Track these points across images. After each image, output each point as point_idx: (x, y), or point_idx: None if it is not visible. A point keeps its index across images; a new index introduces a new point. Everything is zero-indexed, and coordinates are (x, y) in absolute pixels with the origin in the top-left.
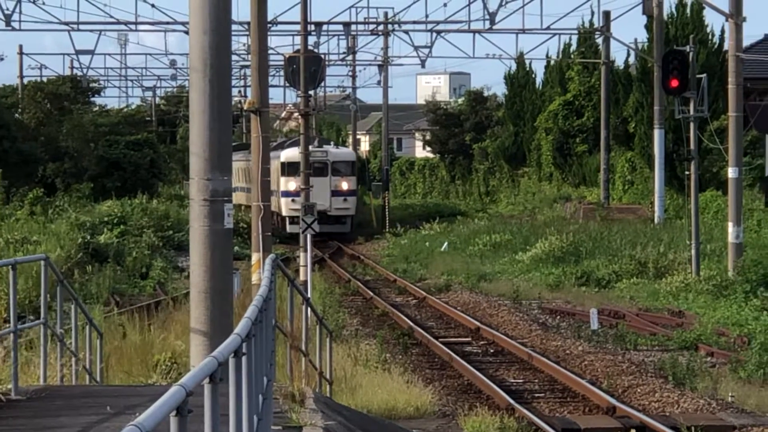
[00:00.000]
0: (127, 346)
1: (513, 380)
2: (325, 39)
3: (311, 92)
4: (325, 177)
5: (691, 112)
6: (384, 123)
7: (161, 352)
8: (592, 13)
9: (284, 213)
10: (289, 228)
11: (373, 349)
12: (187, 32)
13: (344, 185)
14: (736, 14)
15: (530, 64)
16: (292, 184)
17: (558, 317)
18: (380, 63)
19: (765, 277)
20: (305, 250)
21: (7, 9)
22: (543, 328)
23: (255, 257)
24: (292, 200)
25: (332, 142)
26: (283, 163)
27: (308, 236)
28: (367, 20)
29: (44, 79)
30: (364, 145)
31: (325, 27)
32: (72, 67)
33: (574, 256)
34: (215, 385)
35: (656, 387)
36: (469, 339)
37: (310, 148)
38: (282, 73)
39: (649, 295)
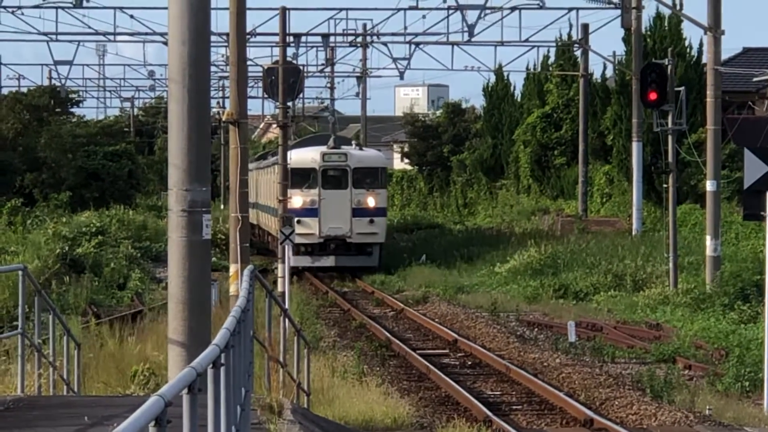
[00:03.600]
0: (105, 357)
1: (491, 392)
2: (304, 50)
3: (290, 103)
4: (344, 189)
5: (670, 125)
6: (362, 134)
7: (139, 363)
8: (571, 26)
9: None
10: (292, 260)
11: (351, 360)
12: (165, 43)
13: (370, 201)
14: (714, 27)
15: (509, 76)
16: (298, 198)
17: (536, 329)
18: (359, 74)
19: (743, 290)
20: (283, 262)
21: None
22: (521, 340)
23: (233, 268)
24: (298, 221)
25: (354, 142)
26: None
27: (287, 247)
28: (345, 32)
29: (23, 90)
30: None
31: (303, 38)
32: (50, 78)
33: (551, 269)
34: (194, 396)
35: (634, 399)
36: (446, 351)
37: (324, 149)
38: (260, 84)
39: (626, 307)
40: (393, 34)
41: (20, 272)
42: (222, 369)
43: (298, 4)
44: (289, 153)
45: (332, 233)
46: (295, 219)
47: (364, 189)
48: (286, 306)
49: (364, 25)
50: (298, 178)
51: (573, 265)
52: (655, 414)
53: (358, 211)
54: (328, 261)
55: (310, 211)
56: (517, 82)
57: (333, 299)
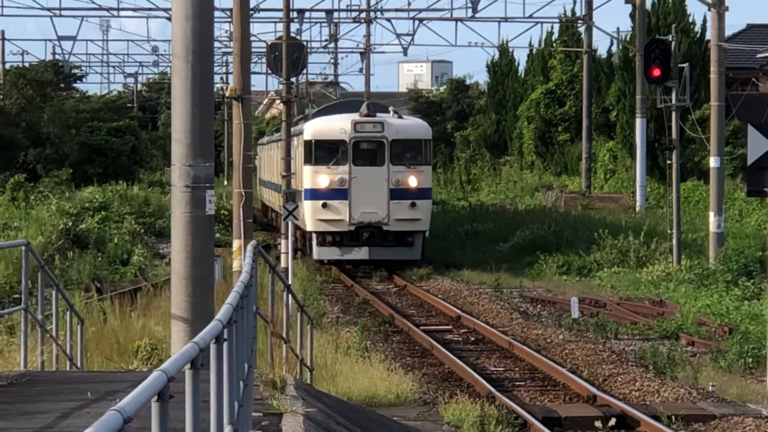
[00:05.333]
0: (108, 333)
1: (494, 368)
2: (308, 26)
3: (293, 79)
4: (380, 166)
5: (673, 102)
6: None
7: (142, 339)
8: (575, 2)
9: (309, 227)
10: (317, 252)
11: (354, 336)
12: (169, 18)
13: (412, 181)
14: (718, 4)
15: (513, 52)
16: (323, 177)
17: (539, 306)
18: (362, 50)
19: (746, 266)
20: (286, 238)
21: None
22: (524, 316)
23: (236, 244)
24: (324, 205)
25: (392, 109)
26: (308, 143)
27: (289, 223)
28: (349, 8)
29: (26, 65)
30: None
31: (307, 14)
32: (54, 53)
33: (555, 245)
34: (196, 371)
35: (637, 376)
36: (450, 327)
37: (356, 116)
38: (264, 60)
39: (630, 284)
40: (397, 10)
41: (23, 248)
42: (225, 344)
43: None
44: (310, 123)
45: (365, 219)
46: (321, 203)
47: (405, 166)
48: (290, 282)
49: (368, 1)
50: (324, 152)
51: (576, 241)
52: (658, 390)
53: (397, 193)
54: (361, 253)
55: (339, 193)
56: (521, 58)
57: (336, 275)
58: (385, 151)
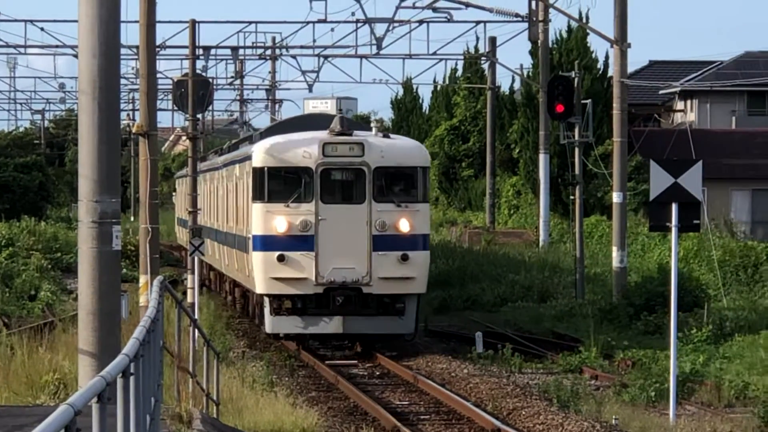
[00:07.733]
0: (15, 367)
1: (399, 402)
2: (213, 63)
3: (199, 116)
4: (360, 204)
5: (576, 137)
6: None
7: (49, 373)
8: (478, 39)
9: (260, 288)
10: (269, 323)
11: (260, 370)
12: (76, 56)
13: (403, 224)
14: (621, 40)
15: (417, 89)
16: (280, 219)
17: (443, 340)
18: (268, 87)
19: (648, 301)
20: (193, 273)
21: None
22: (429, 350)
23: (143, 279)
24: (280, 258)
25: (374, 126)
26: (259, 171)
27: (195, 258)
28: (255, 44)
29: None
30: None
31: (213, 51)
32: None
33: (459, 280)
34: (103, 405)
35: (541, 409)
36: (355, 361)
37: (325, 135)
38: (170, 96)
39: (533, 318)
40: (302, 47)
41: None
42: (131, 378)
43: (208, 17)
44: (262, 143)
45: (338, 278)
46: (276, 254)
47: (393, 203)
48: (196, 316)
49: (273, 38)
50: (281, 184)
51: (480, 276)
52: (561, 424)
53: (383, 241)
54: (332, 325)
55: (302, 241)
56: (425, 94)
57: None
58: (366, 183)
